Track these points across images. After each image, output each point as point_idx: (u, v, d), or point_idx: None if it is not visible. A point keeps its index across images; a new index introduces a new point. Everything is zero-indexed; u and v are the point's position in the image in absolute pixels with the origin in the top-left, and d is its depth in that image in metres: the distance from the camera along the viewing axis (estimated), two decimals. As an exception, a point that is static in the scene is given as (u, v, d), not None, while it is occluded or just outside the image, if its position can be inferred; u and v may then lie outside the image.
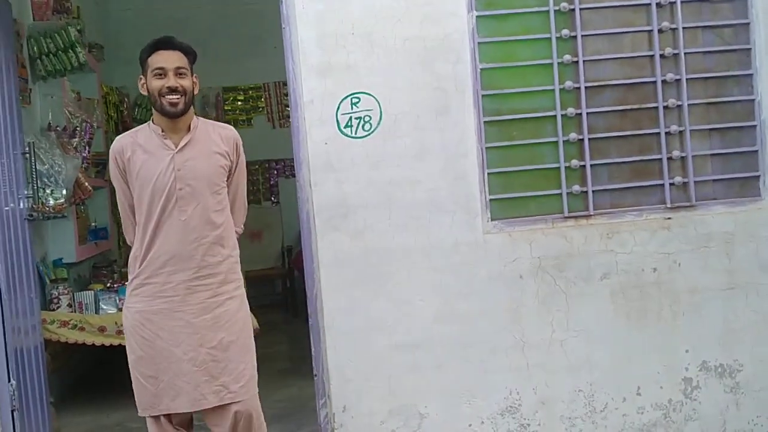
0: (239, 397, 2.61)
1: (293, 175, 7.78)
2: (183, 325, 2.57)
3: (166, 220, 2.56)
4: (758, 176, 3.43)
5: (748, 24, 3.41)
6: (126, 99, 7.29)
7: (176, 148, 2.61)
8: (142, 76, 2.64)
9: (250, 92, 8.02)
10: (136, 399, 2.64)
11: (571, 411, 3.35)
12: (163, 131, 2.62)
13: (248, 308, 2.74)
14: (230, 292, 2.65)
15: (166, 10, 7.07)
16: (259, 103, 8.04)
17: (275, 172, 7.94)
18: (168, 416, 2.61)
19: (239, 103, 8.03)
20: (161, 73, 2.58)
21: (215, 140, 2.69)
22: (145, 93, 2.64)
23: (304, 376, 4.61)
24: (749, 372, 3.36)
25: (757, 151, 3.43)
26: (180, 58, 2.61)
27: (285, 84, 7.61)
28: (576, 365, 3.34)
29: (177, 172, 2.57)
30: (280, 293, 7.41)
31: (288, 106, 7.80)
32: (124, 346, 4.18)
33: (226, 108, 8.03)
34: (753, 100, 3.42)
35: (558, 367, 3.34)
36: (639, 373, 3.36)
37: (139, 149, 2.60)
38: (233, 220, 2.78)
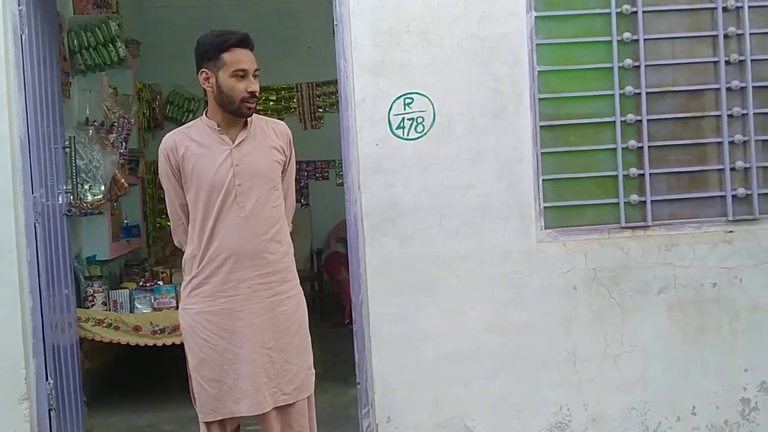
0: (292, 399, 2.52)
1: (324, 177, 7.96)
2: (245, 325, 2.48)
3: (225, 217, 2.46)
4: (824, 190, 3.29)
5: (818, 31, 3.27)
6: (158, 96, 7.25)
7: (233, 143, 2.51)
8: (206, 70, 2.50)
9: (283, 92, 7.95)
10: (197, 404, 2.54)
11: (624, 429, 3.22)
12: (219, 126, 2.53)
13: (305, 308, 2.64)
14: (288, 292, 2.56)
15: (201, 8, 7.03)
16: (291, 104, 7.96)
17: (305, 173, 7.86)
18: (222, 423, 2.52)
19: (271, 103, 7.95)
20: (243, 74, 2.48)
21: (270, 135, 2.60)
22: (208, 88, 2.51)
23: (338, 381, 4.52)
24: (812, 395, 3.22)
25: (824, 164, 3.29)
26: (254, 59, 2.52)
27: (318, 85, 7.87)
28: (629, 382, 3.21)
29: (235, 168, 2.47)
30: (308, 297, 7.31)
31: (320, 108, 7.92)
32: (159, 347, 4.22)
33: (258, 108, 7.95)
34: (821, 110, 3.28)
35: (611, 383, 3.21)
36: (695, 393, 3.23)
37: (194, 145, 2.51)
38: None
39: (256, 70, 2.52)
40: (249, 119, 2.58)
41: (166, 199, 2.61)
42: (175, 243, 2.67)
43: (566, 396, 3.21)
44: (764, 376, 3.22)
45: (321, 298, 6.99)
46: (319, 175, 7.87)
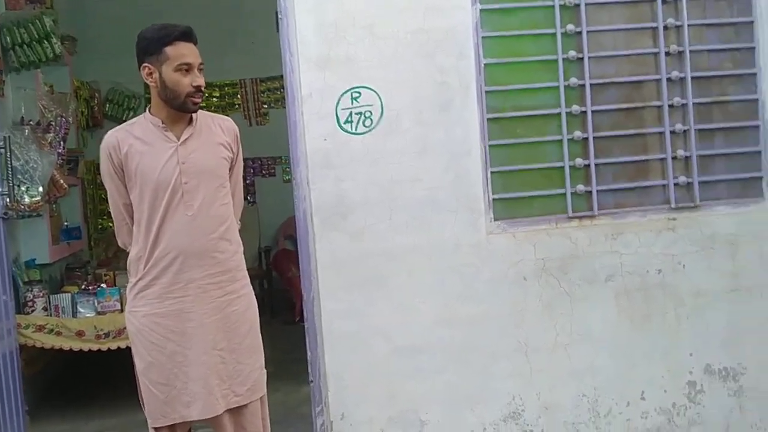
0: (245, 400, 2.48)
1: (271, 174, 7.89)
2: (195, 326, 2.42)
3: (172, 216, 2.40)
4: (761, 177, 3.39)
5: (752, 22, 3.36)
6: (97, 94, 7.06)
7: (178, 140, 2.45)
8: (148, 65, 2.43)
9: (226, 89, 7.84)
10: (145, 409, 2.47)
11: (575, 416, 3.26)
12: (163, 123, 2.46)
13: (256, 307, 2.60)
14: (238, 291, 2.51)
15: (139, 3, 6.85)
16: (235, 100, 7.86)
17: (252, 170, 7.76)
18: (173, 428, 2.45)
19: (215, 99, 7.83)
20: (188, 68, 2.42)
21: (216, 132, 2.55)
22: (152, 83, 2.44)
23: (289, 379, 4.48)
24: (753, 375, 3.32)
25: (760, 152, 3.38)
26: (198, 53, 2.46)
27: (262, 80, 7.76)
28: (580, 370, 3.26)
29: (182, 165, 2.41)
30: (258, 295, 7.25)
31: (265, 104, 7.82)
32: (103, 351, 4.10)
33: (201, 105, 7.82)
34: (756, 99, 3.38)
35: (562, 371, 3.25)
36: (643, 378, 3.30)
37: (137, 142, 2.43)
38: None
39: (200, 64, 2.48)
40: (194, 115, 2.53)
41: (109, 199, 2.53)
42: (119, 244, 2.59)
43: (518, 386, 3.23)
44: (708, 359, 3.31)
45: (270, 295, 6.92)
46: (265, 171, 7.79)
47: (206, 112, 2.63)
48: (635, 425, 3.28)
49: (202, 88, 2.47)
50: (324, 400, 3.13)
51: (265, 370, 2.61)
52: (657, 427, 3.29)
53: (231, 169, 2.59)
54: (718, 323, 3.30)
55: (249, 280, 2.59)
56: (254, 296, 2.61)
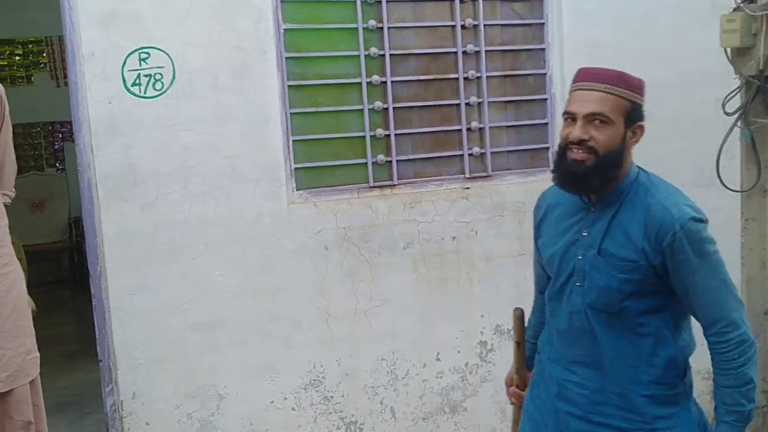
0: (6, 387, 2.29)
1: (81, 140, 7.35)
2: None
3: None
4: (548, 147, 3.60)
5: None
6: None
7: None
8: None
9: (31, 46, 7.21)
10: None
11: (374, 380, 3.34)
12: None
13: (22, 287, 2.39)
14: None
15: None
16: (41, 59, 7.25)
17: (60, 135, 7.22)
18: None
19: (17, 57, 7.20)
20: None
21: None
22: None
23: (92, 358, 4.24)
24: (538, 334, 3.55)
25: (547, 124, 3.59)
26: None
27: (70, 38, 7.19)
28: (379, 335, 3.33)
29: None
30: (67, 269, 6.82)
31: (74, 63, 7.26)
32: None
33: (2, 63, 7.17)
34: (545, 74, 3.57)
35: (362, 337, 3.31)
36: (439, 340, 3.43)
37: None
38: (2, 183, 2.45)
39: None
40: None
41: None
42: None
43: (319, 354, 3.25)
44: (498, 320, 3.50)
45: (82, 269, 6.51)
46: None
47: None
48: (431, 385, 3.42)
49: None
50: (114, 379, 2.98)
51: (36, 354, 2.41)
52: (451, 386, 3.45)
53: (-4, 133, 2.36)
54: (507, 286, 3.49)
55: (14, 257, 2.38)
56: (20, 275, 2.40)
